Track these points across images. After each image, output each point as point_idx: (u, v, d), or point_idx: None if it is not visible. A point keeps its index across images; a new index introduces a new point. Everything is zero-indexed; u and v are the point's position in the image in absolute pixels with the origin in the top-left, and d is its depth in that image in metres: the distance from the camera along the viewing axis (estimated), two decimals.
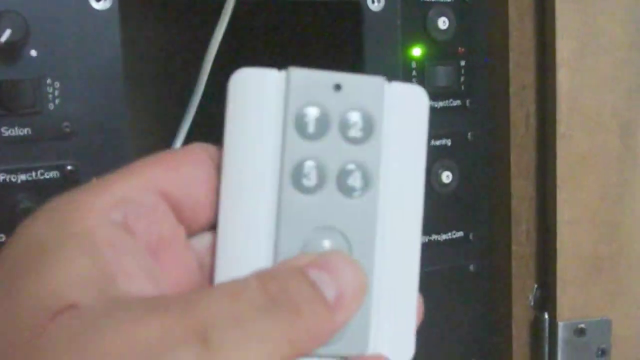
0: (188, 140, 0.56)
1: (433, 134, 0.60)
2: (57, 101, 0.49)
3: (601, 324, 0.64)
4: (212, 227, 0.29)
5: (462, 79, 0.62)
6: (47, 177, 0.49)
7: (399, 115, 0.29)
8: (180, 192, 0.28)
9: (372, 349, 0.29)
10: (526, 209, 0.65)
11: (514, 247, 0.65)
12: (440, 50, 0.61)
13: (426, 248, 0.61)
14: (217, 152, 0.29)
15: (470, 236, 0.63)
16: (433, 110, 0.59)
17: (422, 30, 0.60)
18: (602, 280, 0.64)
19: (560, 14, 0.60)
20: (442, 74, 0.60)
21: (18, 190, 0.48)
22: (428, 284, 0.62)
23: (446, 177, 0.61)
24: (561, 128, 0.62)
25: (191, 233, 0.29)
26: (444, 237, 0.62)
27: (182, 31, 0.76)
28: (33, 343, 0.23)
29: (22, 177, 0.48)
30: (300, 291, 0.25)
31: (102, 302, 0.24)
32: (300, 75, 0.28)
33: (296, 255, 0.28)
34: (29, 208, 0.47)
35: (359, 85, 0.29)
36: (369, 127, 0.29)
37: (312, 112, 0.28)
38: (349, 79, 0.29)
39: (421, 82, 0.59)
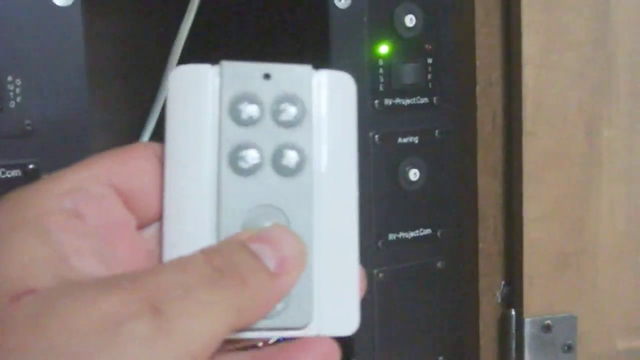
0: (153, 140, 0.56)
1: (400, 131, 0.60)
2: (18, 99, 0.48)
3: (567, 320, 0.65)
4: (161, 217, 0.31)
5: (429, 76, 0.62)
6: (9, 175, 0.48)
7: (327, 100, 0.32)
8: (128, 184, 0.30)
9: (316, 321, 0.30)
10: (493, 206, 0.66)
11: (481, 244, 0.66)
12: (408, 47, 0.61)
13: (394, 245, 0.62)
14: (161, 148, 0.31)
15: (438, 233, 0.64)
16: (401, 108, 0.60)
17: (389, 28, 0.60)
18: (567, 276, 0.65)
19: (526, 12, 0.61)
20: (410, 72, 0.60)
21: None
22: (396, 281, 0.62)
23: (414, 174, 0.61)
24: (527, 125, 0.62)
25: (142, 224, 0.31)
26: (412, 234, 0.63)
27: (145, 27, 0.75)
28: None
29: None
30: (244, 262, 0.27)
31: (57, 283, 0.25)
32: (232, 67, 0.31)
33: (238, 232, 0.29)
34: None
35: (287, 74, 0.31)
36: (299, 112, 0.31)
37: (245, 100, 0.30)
38: (278, 68, 0.31)
39: (388, 79, 0.60)
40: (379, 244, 0.61)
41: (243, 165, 0.30)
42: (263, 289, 0.27)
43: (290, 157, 0.31)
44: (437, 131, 0.62)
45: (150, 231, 0.31)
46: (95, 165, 0.30)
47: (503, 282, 0.66)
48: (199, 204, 0.30)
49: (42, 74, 0.49)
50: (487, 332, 0.67)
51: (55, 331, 0.24)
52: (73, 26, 0.49)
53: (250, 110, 0.30)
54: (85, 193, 0.29)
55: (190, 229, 0.30)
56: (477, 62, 0.64)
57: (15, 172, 0.48)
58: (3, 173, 0.48)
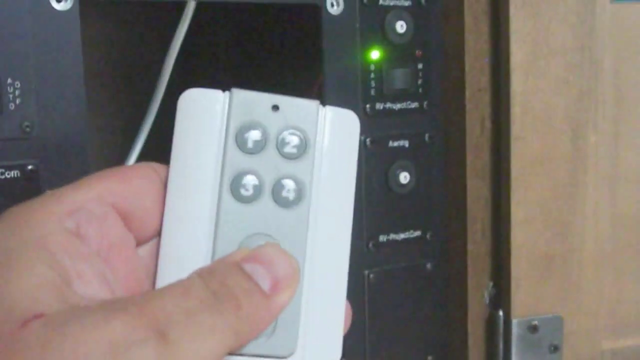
0: (148, 142, 0.57)
1: (391, 135, 0.61)
2: (17, 101, 0.48)
3: (553, 320, 0.65)
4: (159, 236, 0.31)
5: (419, 81, 0.62)
6: (8, 176, 0.48)
7: (331, 136, 0.32)
8: (129, 203, 0.30)
9: (299, 351, 0.31)
10: (481, 209, 0.66)
11: (469, 246, 0.66)
12: (398, 53, 0.61)
13: (384, 247, 0.62)
14: (164, 169, 0.32)
15: (427, 235, 0.64)
16: (392, 112, 0.61)
17: (380, 34, 0.60)
18: (553, 278, 0.65)
19: (514, 19, 0.61)
20: (400, 77, 0.61)
21: None
22: (386, 282, 0.63)
23: (404, 177, 0.62)
24: (515, 130, 0.63)
25: (140, 242, 0.31)
26: (401, 236, 0.63)
27: (142, 32, 0.76)
28: (8, 348, 0.24)
29: None
30: (238, 285, 0.28)
31: (64, 308, 0.26)
32: (241, 96, 0.31)
33: (232, 252, 0.30)
34: None
35: (295, 107, 0.32)
36: (303, 145, 0.31)
37: (252, 129, 0.31)
38: (286, 101, 0.31)
39: (380, 84, 0.60)
40: (370, 245, 0.61)
41: (244, 192, 0.31)
42: (258, 311, 0.28)
43: (290, 189, 0.31)
44: (427, 135, 0.63)
45: (147, 248, 0.32)
46: (97, 185, 0.30)
47: (491, 283, 0.67)
48: (197, 227, 0.30)
49: (41, 77, 0.49)
50: (475, 332, 0.67)
51: (66, 356, 0.24)
52: (71, 30, 0.50)
53: (255, 139, 0.31)
54: (87, 213, 0.29)
55: (186, 250, 0.30)
56: (466, 68, 0.64)
57: (14, 173, 0.49)
58: (2, 174, 0.48)
